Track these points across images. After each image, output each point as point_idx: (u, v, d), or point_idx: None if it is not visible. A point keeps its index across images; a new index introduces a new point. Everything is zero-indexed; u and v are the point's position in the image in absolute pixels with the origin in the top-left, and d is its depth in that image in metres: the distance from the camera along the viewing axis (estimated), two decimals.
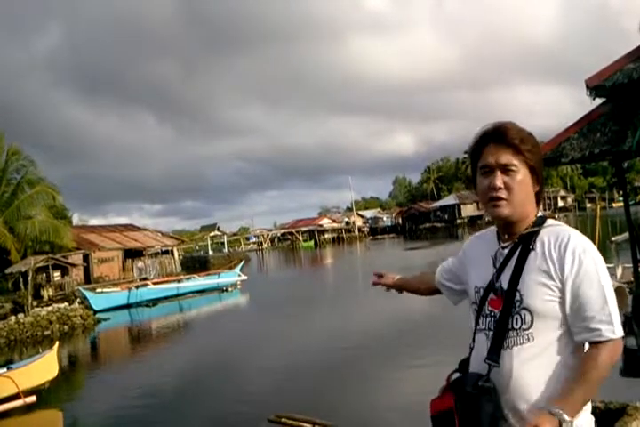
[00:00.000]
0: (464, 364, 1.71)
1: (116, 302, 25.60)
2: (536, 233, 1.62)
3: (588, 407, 1.60)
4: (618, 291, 5.30)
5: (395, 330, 14.07)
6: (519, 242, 1.63)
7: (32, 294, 22.97)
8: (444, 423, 1.64)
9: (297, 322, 17.77)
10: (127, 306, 25.90)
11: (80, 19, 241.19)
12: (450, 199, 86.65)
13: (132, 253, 35.80)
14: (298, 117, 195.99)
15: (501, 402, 1.54)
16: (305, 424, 7.32)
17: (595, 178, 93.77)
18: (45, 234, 26.94)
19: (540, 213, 1.67)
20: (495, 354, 1.57)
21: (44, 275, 27.26)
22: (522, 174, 1.61)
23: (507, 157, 1.60)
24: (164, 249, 38.75)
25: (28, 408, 10.35)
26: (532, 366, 1.54)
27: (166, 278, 31.49)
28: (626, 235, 13.26)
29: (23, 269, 24.51)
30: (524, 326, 1.56)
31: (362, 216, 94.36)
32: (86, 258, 32.25)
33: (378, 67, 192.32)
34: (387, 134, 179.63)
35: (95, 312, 23.36)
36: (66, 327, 20.60)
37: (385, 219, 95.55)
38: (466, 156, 1.82)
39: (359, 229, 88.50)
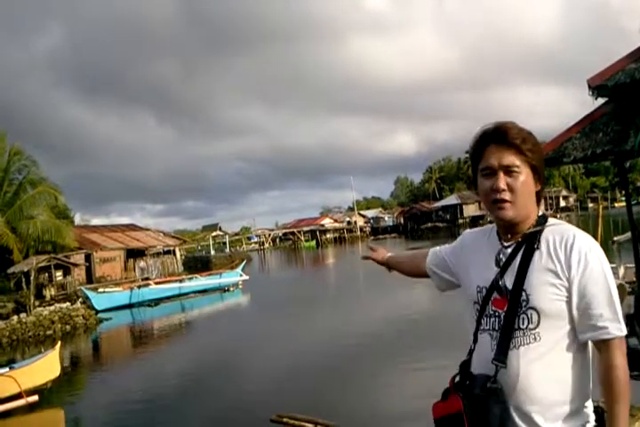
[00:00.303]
0: (465, 366, 1.68)
1: (118, 302, 25.64)
2: (540, 232, 1.61)
3: (590, 408, 1.60)
4: (618, 289, 5.30)
5: (396, 330, 14.07)
6: (523, 241, 1.62)
7: (34, 293, 23.01)
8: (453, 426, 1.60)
9: (298, 322, 17.78)
10: (129, 306, 25.94)
11: (80, 19, 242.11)
12: (451, 199, 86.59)
13: (134, 253, 35.84)
14: (299, 117, 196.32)
15: (508, 402, 1.54)
16: (307, 424, 7.32)
17: (597, 178, 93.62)
18: (48, 234, 26.96)
19: (541, 213, 1.67)
20: (502, 355, 1.56)
21: (47, 275, 27.30)
22: (525, 175, 1.59)
23: (509, 158, 1.59)
24: (165, 249, 38.79)
25: (31, 408, 10.37)
26: (539, 365, 1.54)
27: (168, 278, 31.51)
28: (628, 235, 13.27)
29: (25, 269, 24.56)
30: (530, 326, 1.55)
31: (363, 216, 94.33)
32: (88, 258, 32.29)
33: (378, 67, 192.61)
34: (388, 134, 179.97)
35: (97, 312, 23.40)
36: (68, 327, 20.63)
37: (387, 219, 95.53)
38: (467, 155, 1.80)
39: (361, 229, 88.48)
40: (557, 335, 1.55)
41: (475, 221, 74.48)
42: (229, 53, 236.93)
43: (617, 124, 5.26)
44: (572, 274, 1.52)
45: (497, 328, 1.60)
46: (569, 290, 1.53)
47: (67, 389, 12.45)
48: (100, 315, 22.96)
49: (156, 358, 15.23)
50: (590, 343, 1.57)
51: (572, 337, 1.55)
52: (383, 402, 8.79)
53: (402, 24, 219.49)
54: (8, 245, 25.44)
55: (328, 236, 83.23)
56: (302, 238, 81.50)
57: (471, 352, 1.68)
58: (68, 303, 22.68)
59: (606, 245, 12.28)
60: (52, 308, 21.66)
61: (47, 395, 11.18)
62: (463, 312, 1.77)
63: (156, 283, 28.94)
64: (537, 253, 1.58)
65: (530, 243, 1.60)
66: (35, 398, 10.43)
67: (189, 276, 31.82)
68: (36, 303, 22.46)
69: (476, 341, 1.67)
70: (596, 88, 5.42)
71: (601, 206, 17.38)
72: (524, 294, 1.56)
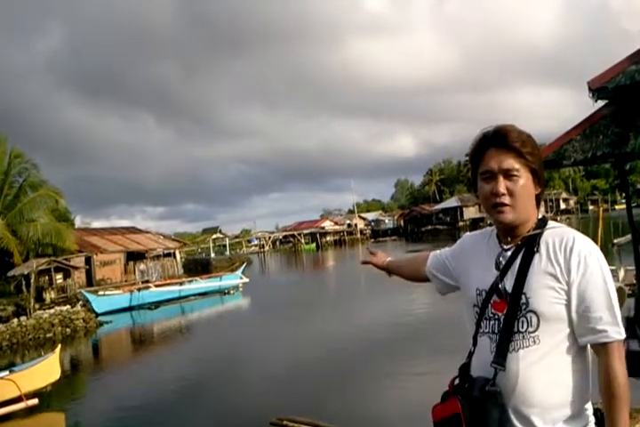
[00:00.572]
0: (464, 368, 1.68)
1: (118, 305, 25.61)
2: (539, 235, 1.61)
3: (590, 411, 1.60)
4: (618, 292, 5.29)
5: (396, 333, 14.06)
6: (522, 244, 1.62)
7: (34, 296, 23.01)
8: None
9: (299, 325, 17.76)
10: (129, 309, 25.91)
11: (80, 20, 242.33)
12: (452, 202, 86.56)
13: (135, 256, 35.83)
14: (298, 119, 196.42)
15: (507, 405, 1.54)
16: None
17: (597, 180, 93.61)
18: (48, 237, 26.97)
19: (541, 215, 1.66)
20: (502, 357, 1.56)
21: (47, 278, 27.29)
22: (524, 178, 1.59)
23: (509, 162, 1.59)
24: (166, 252, 38.78)
25: (31, 411, 10.35)
26: (538, 368, 1.54)
27: (168, 281, 31.48)
28: (628, 237, 13.22)
29: (26, 272, 24.55)
30: (530, 329, 1.55)
31: (364, 219, 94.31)
32: (88, 261, 32.27)
33: (378, 68, 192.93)
34: (388, 136, 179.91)
35: (97, 315, 23.39)
36: (68, 330, 20.62)
37: (387, 221, 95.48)
38: (468, 158, 1.80)
39: (361, 232, 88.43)
40: (557, 339, 1.55)
41: (475, 224, 74.43)
42: (229, 55, 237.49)
43: (617, 127, 5.26)
44: (571, 277, 1.52)
45: (496, 331, 1.60)
46: (568, 293, 1.53)
47: (67, 392, 12.43)
48: (100, 318, 22.94)
49: (156, 362, 15.21)
50: (589, 346, 1.57)
51: (571, 340, 1.55)
52: (383, 405, 8.77)
53: (401, 25, 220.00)
54: (8, 247, 25.45)
55: (328, 238, 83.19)
56: (302, 241, 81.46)
57: (471, 355, 1.68)
58: (68, 306, 22.65)
59: (606, 248, 12.24)
60: (52, 311, 21.64)
61: (47, 398, 11.17)
62: (463, 315, 1.77)
63: (157, 286, 28.89)
64: (537, 256, 1.58)
65: (529, 246, 1.60)
66: (35, 401, 10.41)
67: (190, 278, 31.77)
68: (36, 306, 22.44)
69: (475, 344, 1.67)
70: (597, 90, 5.42)
71: (601, 209, 17.36)
72: (523, 297, 1.56)
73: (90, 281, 31.80)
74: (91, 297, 25.10)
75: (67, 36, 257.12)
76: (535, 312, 1.54)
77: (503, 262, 1.64)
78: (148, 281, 32.23)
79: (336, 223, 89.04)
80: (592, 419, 1.60)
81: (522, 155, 1.59)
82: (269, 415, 7.82)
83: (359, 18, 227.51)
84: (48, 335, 19.95)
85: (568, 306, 1.53)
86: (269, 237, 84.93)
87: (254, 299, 27.45)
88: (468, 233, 1.93)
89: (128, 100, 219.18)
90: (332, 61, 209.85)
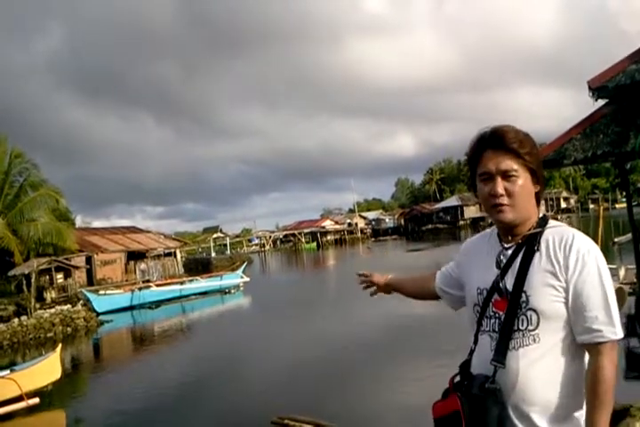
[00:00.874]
0: (465, 366, 1.70)
1: (119, 304, 25.62)
2: (540, 234, 1.61)
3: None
4: (618, 292, 5.28)
5: (396, 332, 14.06)
6: (523, 243, 1.63)
7: (35, 296, 23.01)
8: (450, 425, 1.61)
9: (299, 324, 17.77)
10: (130, 308, 25.91)
11: (81, 21, 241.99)
12: (452, 201, 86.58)
13: (135, 256, 35.86)
14: (298, 119, 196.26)
15: (507, 403, 1.55)
16: (308, 426, 7.32)
17: (598, 179, 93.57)
18: (48, 236, 26.99)
19: (542, 214, 1.67)
20: (501, 355, 1.57)
21: (47, 277, 27.32)
22: (523, 178, 1.60)
23: (506, 163, 1.59)
24: (166, 251, 38.80)
25: (31, 410, 10.36)
26: (538, 366, 1.54)
27: (169, 280, 31.50)
28: (628, 236, 13.27)
29: (26, 272, 24.56)
30: (530, 327, 1.56)
31: (364, 218, 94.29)
32: (89, 260, 32.30)
33: (378, 68, 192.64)
34: (388, 136, 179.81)
35: (98, 314, 23.39)
36: (69, 329, 20.62)
37: (387, 220, 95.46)
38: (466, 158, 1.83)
39: (361, 231, 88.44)
40: (557, 337, 1.55)
41: (475, 223, 74.44)
42: (229, 55, 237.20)
43: (617, 126, 5.27)
44: (569, 275, 1.53)
45: (497, 329, 1.61)
46: (567, 291, 1.53)
47: (67, 391, 12.45)
48: (100, 317, 22.95)
49: (156, 361, 15.22)
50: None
51: (571, 339, 1.56)
52: (384, 404, 8.78)
53: (401, 25, 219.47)
54: (9, 247, 25.47)
55: (329, 237, 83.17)
56: (303, 240, 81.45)
57: (472, 353, 1.69)
58: (68, 306, 22.66)
59: (607, 247, 12.26)
60: (52, 310, 21.64)
61: (48, 397, 11.18)
62: (465, 314, 1.78)
63: (157, 285, 28.91)
64: (537, 255, 1.59)
65: (530, 244, 1.61)
66: (35, 400, 10.42)
67: (190, 278, 31.78)
68: (37, 306, 22.45)
69: (476, 342, 1.68)
70: (597, 89, 5.43)
71: (602, 208, 17.37)
72: (523, 295, 1.57)
73: (90, 281, 31.84)
74: (91, 296, 25.11)
75: (67, 36, 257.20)
76: (535, 310, 1.55)
77: (504, 261, 1.65)
78: (148, 280, 32.25)
79: (336, 222, 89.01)
80: None
81: (520, 155, 1.60)
82: (270, 414, 7.83)
83: (359, 18, 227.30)
84: (49, 335, 19.95)
85: (567, 304, 1.54)
86: (270, 237, 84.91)
87: (255, 298, 27.45)
88: (468, 239, 1.93)
89: (128, 99, 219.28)
90: (331, 61, 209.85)
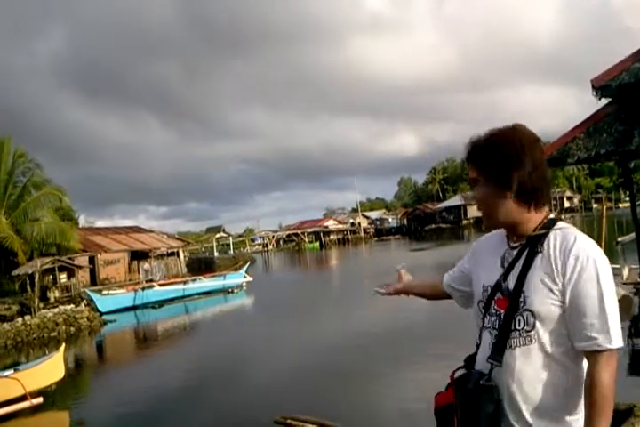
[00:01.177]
0: (470, 360, 1.73)
1: (122, 304, 25.67)
2: (544, 235, 1.61)
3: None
4: (623, 300, 5.16)
5: (400, 332, 14.05)
6: (527, 243, 1.63)
7: (39, 295, 23.08)
8: (445, 417, 1.68)
9: (302, 323, 17.77)
10: (133, 308, 25.97)
11: (83, 22, 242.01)
12: (455, 200, 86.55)
13: (138, 255, 35.89)
14: (300, 119, 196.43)
15: (503, 401, 1.56)
16: (310, 426, 7.32)
17: (601, 178, 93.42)
18: (52, 236, 27.04)
19: (552, 216, 1.67)
20: (498, 354, 1.59)
21: (51, 277, 27.38)
22: (484, 186, 1.65)
23: (471, 173, 1.69)
24: (169, 251, 38.83)
25: (35, 410, 10.38)
26: (534, 367, 1.55)
27: (172, 280, 31.53)
28: (632, 235, 13.22)
29: (30, 271, 24.61)
30: (526, 328, 1.56)
31: (367, 217, 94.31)
32: (92, 260, 32.35)
33: (379, 68, 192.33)
34: (390, 135, 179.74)
35: (101, 314, 23.45)
36: (72, 329, 20.66)
37: (390, 220, 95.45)
38: None
39: (364, 231, 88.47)
40: (554, 339, 1.55)
41: (479, 222, 74.27)
42: (230, 55, 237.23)
43: (621, 125, 5.25)
44: (565, 280, 1.52)
45: (496, 327, 1.63)
46: (563, 295, 1.53)
47: (71, 391, 12.47)
48: (104, 317, 22.99)
49: (160, 360, 15.24)
50: None
51: (570, 343, 1.54)
52: (386, 404, 8.77)
53: (402, 25, 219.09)
54: (13, 247, 25.53)
55: (332, 237, 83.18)
56: (306, 240, 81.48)
57: (478, 347, 1.72)
58: (72, 305, 22.73)
59: (611, 246, 12.22)
60: (56, 310, 21.70)
61: (51, 397, 11.19)
62: (473, 310, 1.81)
63: (160, 285, 28.96)
64: (538, 256, 1.59)
65: (533, 245, 1.61)
66: (39, 400, 10.44)
67: (193, 278, 31.79)
68: (41, 305, 22.52)
69: (480, 337, 1.71)
70: (600, 88, 5.41)
71: (605, 207, 17.28)
72: (522, 295, 1.58)
73: (94, 280, 31.89)
74: (95, 296, 25.18)
75: (69, 36, 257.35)
76: (531, 311, 1.56)
77: (509, 260, 1.67)
78: (151, 280, 32.31)
79: (339, 222, 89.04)
80: None
81: (478, 166, 1.66)
82: (273, 414, 7.83)
83: (360, 17, 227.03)
84: (52, 334, 20.00)
85: (564, 308, 1.53)
86: (273, 236, 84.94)
87: (258, 298, 27.47)
88: (486, 235, 1.93)
89: (130, 100, 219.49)
90: (332, 61, 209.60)
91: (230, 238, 74.32)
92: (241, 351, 14.80)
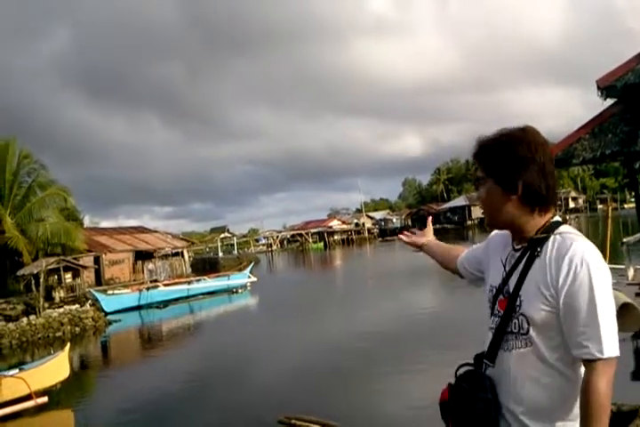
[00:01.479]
0: (478, 358, 1.72)
1: (127, 304, 25.73)
2: (545, 239, 1.59)
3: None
4: (628, 308, 5.07)
5: (403, 332, 14.04)
6: (528, 247, 1.63)
7: (44, 295, 23.16)
8: (446, 412, 1.72)
9: (306, 324, 17.77)
10: (138, 308, 26.02)
11: (87, 23, 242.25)
12: (460, 201, 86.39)
13: (143, 255, 35.97)
14: (304, 119, 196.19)
15: (500, 400, 1.58)
16: (314, 426, 7.32)
17: (606, 179, 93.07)
18: (57, 236, 27.12)
19: (557, 218, 1.64)
20: (492, 354, 1.62)
21: (56, 277, 27.46)
22: (487, 186, 1.66)
23: (477, 172, 1.70)
24: (174, 251, 38.90)
25: (40, 409, 10.42)
26: (529, 370, 1.55)
27: (176, 280, 31.60)
28: (638, 236, 13.17)
29: (35, 271, 24.70)
30: (521, 331, 1.57)
31: (371, 218, 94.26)
32: (97, 260, 32.45)
33: (383, 69, 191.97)
34: (394, 136, 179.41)
35: (106, 314, 23.52)
36: (77, 329, 20.72)
37: (394, 220, 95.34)
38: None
39: (369, 231, 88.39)
40: (549, 344, 1.54)
41: (483, 223, 73.88)
42: (233, 56, 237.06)
43: (626, 125, 5.24)
44: (559, 285, 1.50)
45: (495, 328, 1.65)
46: (557, 302, 1.51)
47: (76, 390, 12.51)
48: (108, 317, 23.07)
49: (164, 360, 15.26)
50: None
51: (564, 349, 1.52)
52: (390, 404, 8.77)
53: (405, 26, 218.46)
54: (18, 247, 25.60)
55: (336, 237, 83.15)
56: (310, 240, 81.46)
57: None
58: (77, 305, 22.79)
59: (616, 247, 12.17)
60: (61, 310, 21.77)
61: (56, 396, 11.24)
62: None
63: (165, 285, 29.02)
64: (537, 261, 1.58)
65: (533, 249, 1.60)
66: (44, 399, 10.48)
67: (198, 278, 31.85)
68: (46, 305, 22.58)
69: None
70: (605, 89, 5.40)
71: (610, 208, 17.21)
72: (519, 299, 1.58)
73: (99, 280, 31.99)
74: (100, 296, 25.24)
75: (73, 37, 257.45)
76: (525, 316, 1.56)
77: (512, 262, 1.67)
78: (156, 280, 32.37)
79: (344, 222, 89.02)
80: None
81: (483, 165, 1.67)
82: (277, 414, 7.85)
83: (363, 18, 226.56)
84: (57, 334, 20.06)
85: (558, 314, 1.51)
86: (277, 237, 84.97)
87: (262, 298, 27.50)
88: (496, 231, 1.91)
89: (135, 101, 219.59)
90: (336, 61, 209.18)
91: (234, 239, 74.37)
92: (245, 351, 14.81)
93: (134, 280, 33.41)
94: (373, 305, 19.96)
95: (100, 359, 17.30)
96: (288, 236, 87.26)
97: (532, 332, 1.54)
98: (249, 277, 31.93)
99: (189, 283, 30.13)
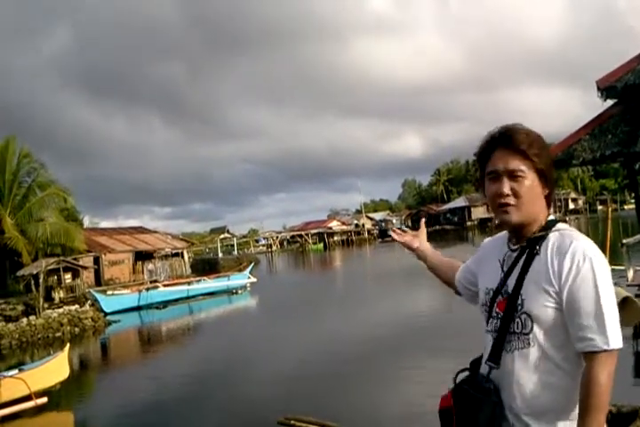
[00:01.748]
0: (475, 364, 1.72)
1: (127, 305, 25.73)
2: (543, 237, 1.60)
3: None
4: (628, 303, 5.11)
5: (403, 333, 14.04)
6: (527, 246, 1.62)
7: (43, 296, 23.15)
8: (448, 419, 1.67)
9: (306, 325, 17.78)
10: (137, 308, 26.03)
11: (88, 22, 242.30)
12: (459, 201, 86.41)
13: (143, 256, 35.97)
14: (304, 119, 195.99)
15: (504, 403, 1.56)
16: None
17: (606, 180, 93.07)
18: (57, 236, 27.12)
19: (552, 217, 1.66)
20: (496, 356, 1.60)
21: (56, 277, 27.47)
22: (530, 180, 1.59)
23: (514, 163, 1.59)
24: (174, 251, 38.90)
25: (40, 410, 10.41)
26: (532, 370, 1.54)
27: (176, 281, 31.60)
28: (637, 237, 13.18)
29: (35, 272, 24.71)
30: (524, 331, 1.56)
31: (371, 219, 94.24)
32: (97, 260, 32.45)
33: (383, 68, 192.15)
34: (395, 136, 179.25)
35: (106, 314, 23.53)
36: (77, 329, 20.73)
37: (394, 221, 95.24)
38: (475, 158, 1.83)
39: (368, 232, 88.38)
40: (552, 343, 1.54)
41: (483, 224, 74.25)
42: (234, 55, 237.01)
43: (626, 126, 5.24)
44: (562, 281, 1.51)
45: (496, 330, 1.63)
46: (560, 298, 1.51)
47: (75, 391, 12.51)
48: (108, 317, 23.07)
49: (164, 361, 15.26)
50: None
51: (568, 346, 1.53)
52: (390, 405, 8.77)
53: (406, 25, 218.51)
54: (17, 247, 25.61)
55: (336, 238, 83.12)
56: (310, 241, 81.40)
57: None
58: (76, 306, 22.80)
59: (616, 248, 12.18)
60: (60, 310, 21.77)
61: (56, 397, 11.23)
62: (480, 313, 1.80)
63: (165, 285, 29.00)
64: (537, 259, 1.58)
65: (532, 247, 1.60)
66: (44, 399, 10.47)
67: (197, 278, 31.86)
68: (46, 306, 22.58)
69: (485, 341, 1.70)
70: (605, 89, 5.40)
71: (610, 209, 17.25)
72: (520, 298, 1.57)
73: (98, 281, 31.98)
74: (99, 297, 25.24)
75: (74, 36, 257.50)
76: (528, 314, 1.55)
77: (509, 263, 1.66)
78: (156, 281, 32.36)
79: (343, 223, 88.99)
80: None
81: (528, 156, 1.58)
82: (277, 414, 7.84)
83: (364, 18, 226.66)
84: (57, 334, 20.06)
85: (561, 311, 1.52)
86: (277, 237, 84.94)
87: (262, 299, 27.49)
88: (487, 238, 1.92)
89: (135, 100, 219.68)
90: (337, 61, 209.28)
91: (234, 239, 74.34)
92: (245, 352, 14.81)
93: (134, 281, 33.41)
94: (373, 306, 19.96)
95: (100, 360, 17.30)
96: (288, 236, 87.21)
97: (535, 330, 1.54)
98: (249, 277, 31.93)
99: (189, 283, 30.14)
